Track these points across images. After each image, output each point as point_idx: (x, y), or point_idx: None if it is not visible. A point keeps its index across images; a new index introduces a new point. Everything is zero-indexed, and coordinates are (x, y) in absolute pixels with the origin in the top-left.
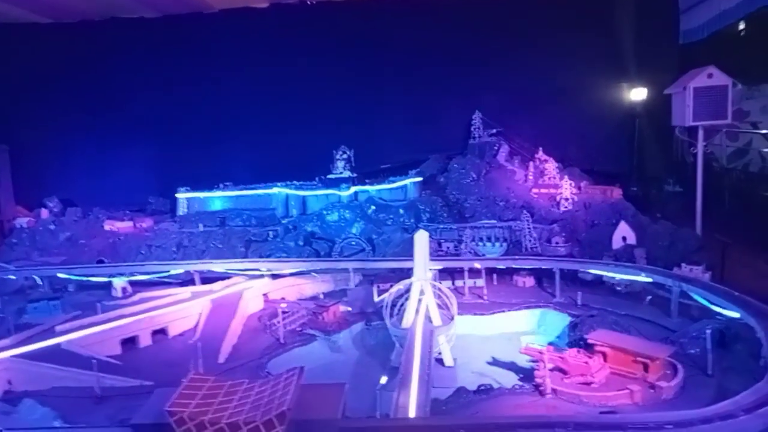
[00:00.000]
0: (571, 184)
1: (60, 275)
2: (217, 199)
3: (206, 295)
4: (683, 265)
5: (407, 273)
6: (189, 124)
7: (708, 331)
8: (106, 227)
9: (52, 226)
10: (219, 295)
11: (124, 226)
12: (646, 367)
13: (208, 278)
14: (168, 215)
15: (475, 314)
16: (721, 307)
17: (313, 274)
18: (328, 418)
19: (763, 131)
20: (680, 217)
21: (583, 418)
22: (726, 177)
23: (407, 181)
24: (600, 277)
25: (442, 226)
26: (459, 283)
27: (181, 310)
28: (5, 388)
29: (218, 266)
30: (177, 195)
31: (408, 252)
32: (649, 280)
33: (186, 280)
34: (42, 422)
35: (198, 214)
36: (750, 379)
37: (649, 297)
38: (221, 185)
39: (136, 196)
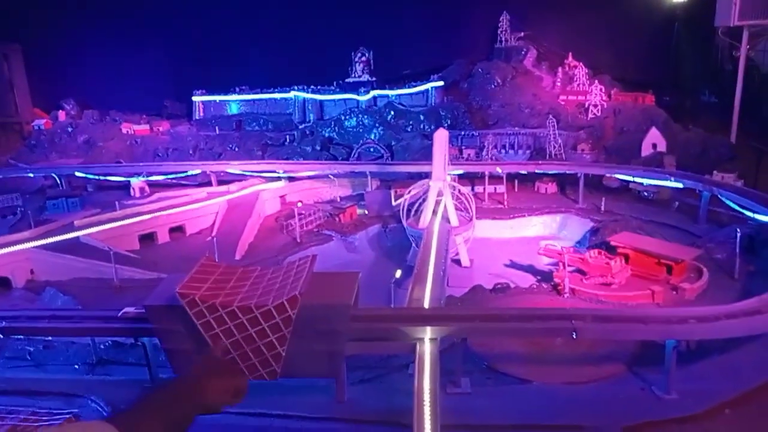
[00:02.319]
0: (601, 90)
1: (78, 174)
2: (233, 102)
3: (223, 195)
4: (715, 172)
5: (426, 178)
6: (204, 27)
7: (737, 235)
8: (124, 130)
9: (69, 129)
10: (236, 195)
11: (141, 128)
12: (669, 270)
13: (225, 180)
14: (184, 118)
15: (495, 219)
16: (753, 211)
17: (330, 176)
18: (340, 303)
19: None
20: (715, 128)
21: (602, 311)
22: (766, 85)
23: (428, 86)
24: (626, 183)
25: (463, 133)
26: (479, 188)
27: (198, 209)
28: (28, 277)
29: (235, 168)
30: (193, 98)
31: (428, 158)
32: (679, 185)
33: (203, 182)
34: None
35: (214, 118)
36: None
37: (677, 203)
38: (237, 89)
39: (151, 99)
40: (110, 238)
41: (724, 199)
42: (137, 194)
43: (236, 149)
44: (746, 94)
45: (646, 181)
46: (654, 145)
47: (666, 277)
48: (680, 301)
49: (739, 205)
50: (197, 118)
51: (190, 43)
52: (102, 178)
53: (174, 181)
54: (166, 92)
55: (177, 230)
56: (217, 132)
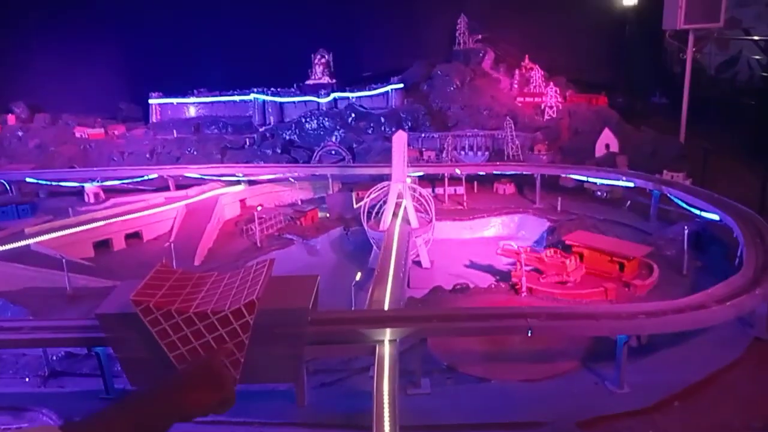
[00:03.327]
0: (556, 92)
1: (29, 180)
2: (192, 105)
3: (181, 200)
4: (665, 171)
5: (387, 180)
6: (161, 27)
7: (685, 232)
8: (77, 134)
9: (20, 133)
10: (194, 200)
11: (95, 132)
12: (622, 267)
13: (183, 185)
14: (140, 122)
15: (455, 220)
16: (700, 209)
17: (291, 179)
18: (299, 307)
19: (756, 37)
20: (665, 128)
21: (555, 309)
22: (713, 87)
23: (389, 88)
24: (581, 183)
25: (424, 135)
26: (439, 190)
27: (156, 214)
28: None
29: (193, 172)
30: (149, 101)
31: (389, 160)
32: (631, 184)
33: (160, 187)
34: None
35: (171, 121)
36: (723, 278)
37: (629, 202)
38: (195, 91)
39: (106, 102)
40: (63, 246)
41: (673, 197)
42: (91, 200)
43: (195, 153)
44: (694, 96)
45: (599, 181)
46: (607, 146)
47: (619, 275)
48: (632, 298)
49: (688, 203)
50: (154, 121)
51: (146, 44)
52: (54, 183)
53: (130, 186)
54: (122, 95)
55: (133, 236)
56: (175, 135)
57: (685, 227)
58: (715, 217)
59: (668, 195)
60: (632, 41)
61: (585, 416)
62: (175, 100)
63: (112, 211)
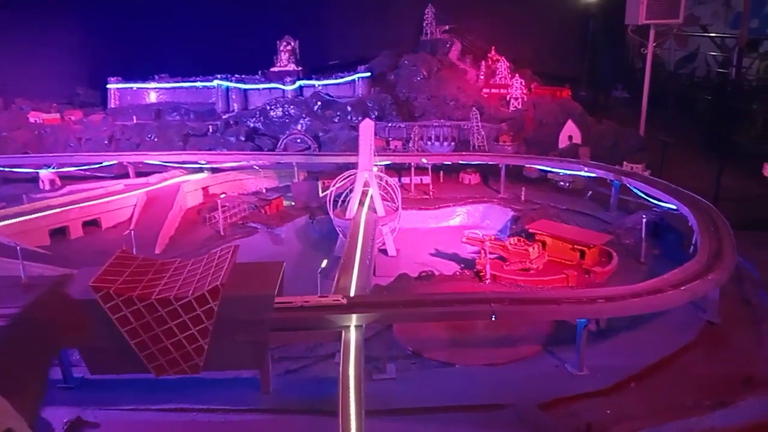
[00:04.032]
0: (521, 84)
1: None
2: (152, 90)
3: (141, 187)
4: (625, 163)
5: (353, 168)
6: (121, 9)
7: (643, 221)
8: (31, 119)
9: None
10: (155, 187)
11: (50, 117)
12: (582, 254)
13: (144, 172)
14: (98, 107)
15: (421, 209)
16: (658, 199)
17: (255, 167)
18: (264, 293)
19: (713, 34)
20: (626, 121)
21: (518, 294)
22: (672, 82)
23: (355, 77)
24: (544, 174)
25: (390, 125)
26: (406, 180)
27: (115, 202)
28: None
29: (154, 159)
30: (108, 86)
31: (355, 149)
32: (592, 175)
33: (119, 174)
34: None
35: (131, 107)
36: (678, 265)
37: (590, 192)
38: (156, 77)
39: (63, 86)
40: (17, 234)
41: (632, 188)
42: (47, 187)
43: (155, 139)
44: (654, 90)
45: (562, 172)
46: (570, 137)
47: (579, 262)
48: (592, 284)
49: (646, 194)
50: (112, 106)
51: (105, 26)
52: (7, 169)
53: (88, 173)
54: (79, 79)
55: (91, 224)
56: (135, 121)
57: (643, 216)
58: (672, 206)
59: (628, 185)
60: (596, 36)
61: (546, 398)
62: (134, 85)
63: (69, 198)
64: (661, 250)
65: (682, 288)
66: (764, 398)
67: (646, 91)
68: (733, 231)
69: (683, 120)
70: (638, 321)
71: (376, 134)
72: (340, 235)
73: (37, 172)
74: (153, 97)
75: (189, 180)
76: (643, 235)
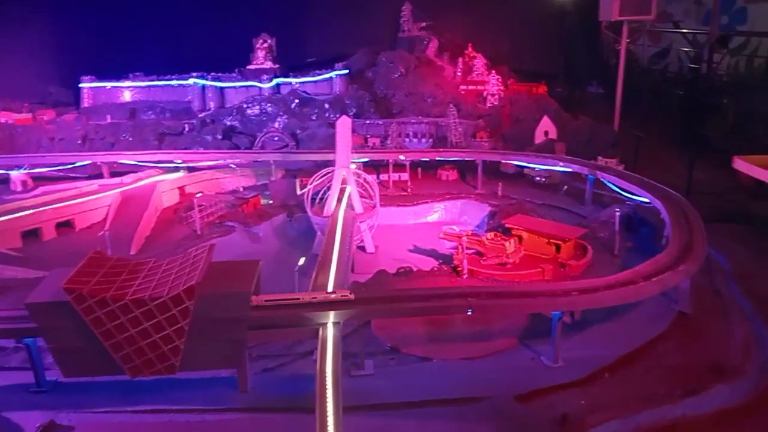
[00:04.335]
0: (498, 80)
1: None
2: (127, 89)
3: (116, 187)
4: (599, 158)
5: (332, 166)
6: (94, 6)
7: (616, 215)
8: (2, 119)
9: None
10: (130, 187)
11: (22, 117)
12: (558, 248)
13: (119, 172)
14: (71, 106)
15: (399, 206)
16: (631, 193)
17: (232, 165)
18: (240, 292)
19: (685, 30)
20: (601, 117)
21: (494, 288)
22: (646, 77)
23: (333, 74)
24: (521, 169)
25: (368, 122)
26: (384, 177)
27: (89, 202)
28: None
29: (129, 158)
30: (81, 85)
31: (333, 147)
32: (567, 169)
33: (94, 174)
34: None
35: (105, 106)
36: (651, 257)
37: (566, 187)
38: (131, 75)
39: (35, 85)
40: None
41: (606, 182)
42: (18, 188)
43: (130, 139)
44: (628, 86)
45: (538, 167)
46: (546, 133)
47: (555, 256)
48: (567, 277)
49: (620, 188)
50: (86, 105)
51: (78, 24)
52: None
53: (61, 173)
54: (52, 78)
55: (65, 225)
56: (109, 120)
57: (617, 210)
58: (645, 200)
59: (602, 180)
60: (571, 33)
61: (522, 390)
62: (108, 84)
63: (42, 200)
64: (634, 243)
65: (654, 279)
66: (732, 385)
67: (620, 87)
68: (704, 223)
69: (657, 115)
70: (612, 312)
71: (354, 131)
72: (318, 233)
73: (9, 174)
74: (127, 96)
75: (165, 179)
76: (617, 229)
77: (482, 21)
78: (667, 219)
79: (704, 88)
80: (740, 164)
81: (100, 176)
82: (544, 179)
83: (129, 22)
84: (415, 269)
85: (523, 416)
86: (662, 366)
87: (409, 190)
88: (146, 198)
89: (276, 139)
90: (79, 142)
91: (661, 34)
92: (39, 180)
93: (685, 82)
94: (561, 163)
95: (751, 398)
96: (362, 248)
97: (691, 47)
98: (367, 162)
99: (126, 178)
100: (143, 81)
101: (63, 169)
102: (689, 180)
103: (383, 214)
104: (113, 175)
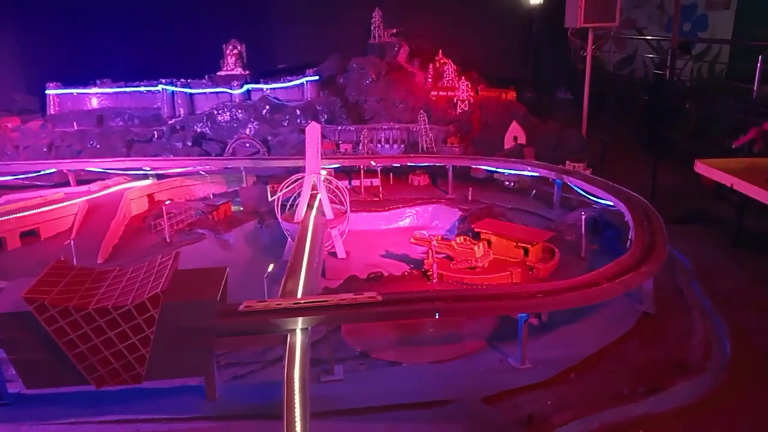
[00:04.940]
0: (468, 86)
1: None
2: (94, 96)
3: (82, 195)
4: (567, 162)
5: (302, 172)
6: (59, 11)
7: (583, 218)
8: None
9: None
10: (97, 195)
11: None
12: (526, 252)
13: (85, 180)
14: (37, 113)
15: (371, 211)
16: (596, 196)
17: (201, 172)
18: (206, 299)
19: (649, 37)
20: (569, 122)
21: (461, 291)
22: (612, 83)
23: (304, 80)
24: (491, 174)
25: (340, 128)
26: (356, 182)
27: (54, 211)
28: None
29: (96, 166)
30: (47, 92)
31: (304, 153)
32: (536, 174)
33: (60, 182)
34: None
35: (72, 113)
36: (615, 259)
37: (534, 191)
38: (98, 81)
39: None
40: None
41: (573, 186)
42: None
43: (97, 146)
44: (595, 91)
45: (507, 172)
46: (515, 138)
47: (523, 259)
48: (534, 280)
49: (586, 191)
50: (52, 113)
51: (43, 30)
52: None
53: (26, 181)
54: (16, 85)
55: (30, 234)
56: (76, 128)
57: (583, 213)
58: (610, 203)
59: (569, 184)
60: (539, 39)
61: (490, 392)
62: (75, 91)
63: (5, 209)
64: (600, 245)
65: (617, 281)
66: (694, 382)
67: (587, 93)
68: (667, 225)
69: (623, 119)
70: (579, 314)
71: (326, 137)
72: (289, 239)
73: None
74: (95, 103)
75: (133, 187)
76: (583, 231)
77: (452, 27)
78: (630, 221)
79: (668, 93)
80: (701, 167)
81: (66, 184)
82: (513, 183)
83: (96, 27)
84: (386, 274)
85: (491, 417)
86: (627, 365)
87: (380, 195)
88: (114, 206)
89: (247, 145)
90: (45, 149)
91: (626, 40)
92: (3, 188)
93: (649, 87)
94: (530, 168)
95: (711, 393)
96: (334, 254)
97: (655, 53)
98: (338, 168)
99: (93, 186)
100: (111, 87)
101: (28, 178)
102: (653, 182)
103: (355, 220)
104: (80, 183)
